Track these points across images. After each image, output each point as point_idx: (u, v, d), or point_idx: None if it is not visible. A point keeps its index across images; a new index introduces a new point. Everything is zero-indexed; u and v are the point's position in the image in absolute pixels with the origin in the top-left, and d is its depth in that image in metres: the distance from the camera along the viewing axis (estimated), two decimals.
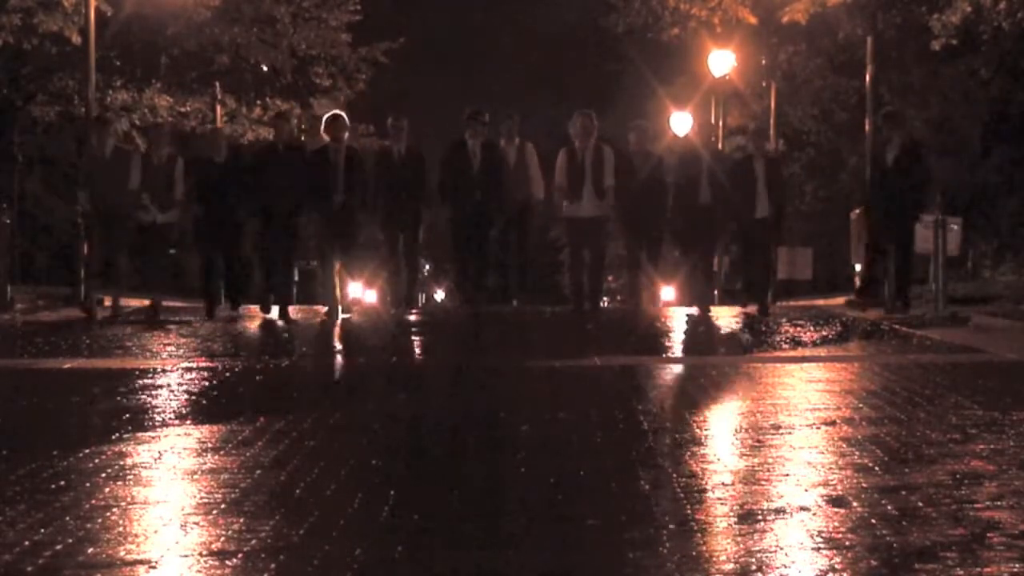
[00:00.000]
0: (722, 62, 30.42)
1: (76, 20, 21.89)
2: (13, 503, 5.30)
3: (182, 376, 9.52)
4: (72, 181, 21.25)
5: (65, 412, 8.03)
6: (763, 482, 5.65)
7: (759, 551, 4.53)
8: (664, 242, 15.83)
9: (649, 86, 35.92)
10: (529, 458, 6.39)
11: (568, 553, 4.63)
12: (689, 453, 6.49)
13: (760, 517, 5.00)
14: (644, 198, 14.89)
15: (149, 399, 8.36)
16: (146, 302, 15.06)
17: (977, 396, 8.08)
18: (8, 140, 26.59)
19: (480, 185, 15.00)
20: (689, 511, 5.17)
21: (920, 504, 5.18)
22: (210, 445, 6.62)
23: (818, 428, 7.03)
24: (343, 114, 15.02)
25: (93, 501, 5.36)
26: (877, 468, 5.90)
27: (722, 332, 13.22)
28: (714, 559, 4.45)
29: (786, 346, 11.67)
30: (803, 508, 5.14)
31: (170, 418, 7.54)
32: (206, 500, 5.37)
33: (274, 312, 14.72)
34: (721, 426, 7.08)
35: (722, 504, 5.25)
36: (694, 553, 4.55)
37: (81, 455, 6.33)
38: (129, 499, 5.42)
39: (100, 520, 5.03)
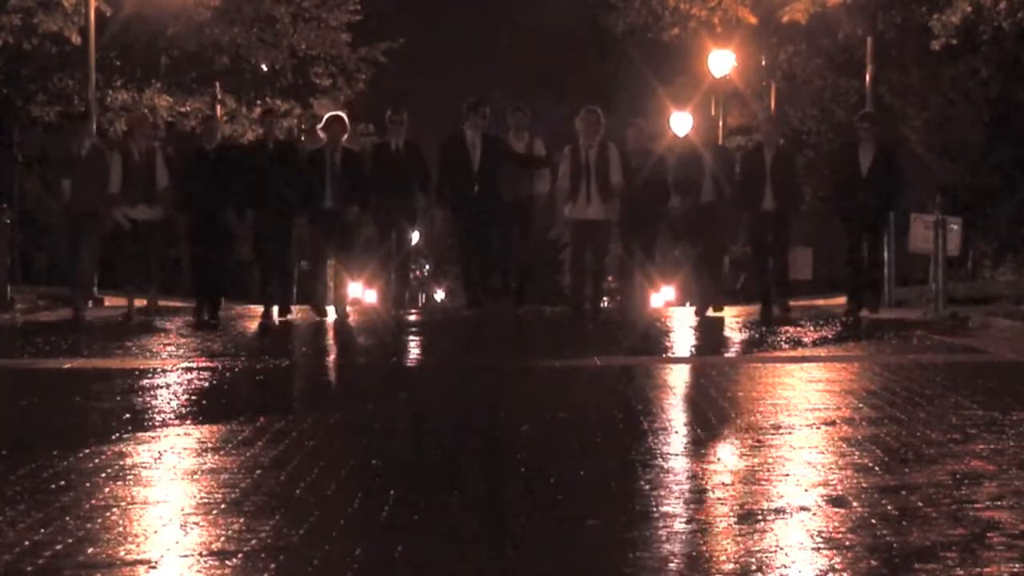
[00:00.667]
0: (722, 62, 30.43)
1: (76, 20, 21.88)
2: (13, 503, 5.30)
3: (182, 376, 9.52)
4: (46, 181, 20.98)
5: (65, 412, 8.03)
6: (763, 482, 5.65)
7: (759, 551, 4.53)
8: (662, 242, 15.53)
9: (649, 86, 35.91)
10: (529, 458, 6.39)
11: (568, 553, 4.63)
12: (689, 453, 6.49)
13: (760, 517, 5.00)
14: (643, 198, 14.52)
15: (149, 399, 8.36)
16: (144, 302, 15.02)
17: (977, 396, 8.08)
18: (8, 140, 26.58)
19: (479, 180, 14.49)
20: (689, 511, 5.17)
21: (920, 504, 5.18)
22: (210, 445, 6.62)
23: (818, 428, 7.03)
24: (342, 115, 14.83)
25: (93, 501, 5.36)
26: (877, 468, 5.90)
27: (723, 332, 13.21)
28: (714, 559, 4.45)
29: (786, 346, 11.67)
30: (803, 508, 5.14)
31: (170, 418, 7.54)
32: (206, 500, 5.37)
33: (274, 313, 14.50)
34: (721, 426, 7.08)
35: (722, 504, 5.25)
36: (694, 553, 4.55)
37: (81, 455, 6.33)
38: (129, 499, 5.42)
39: (100, 520, 5.03)
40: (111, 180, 14.28)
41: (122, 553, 4.57)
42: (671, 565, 4.42)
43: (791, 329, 13.03)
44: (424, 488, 5.72)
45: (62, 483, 5.69)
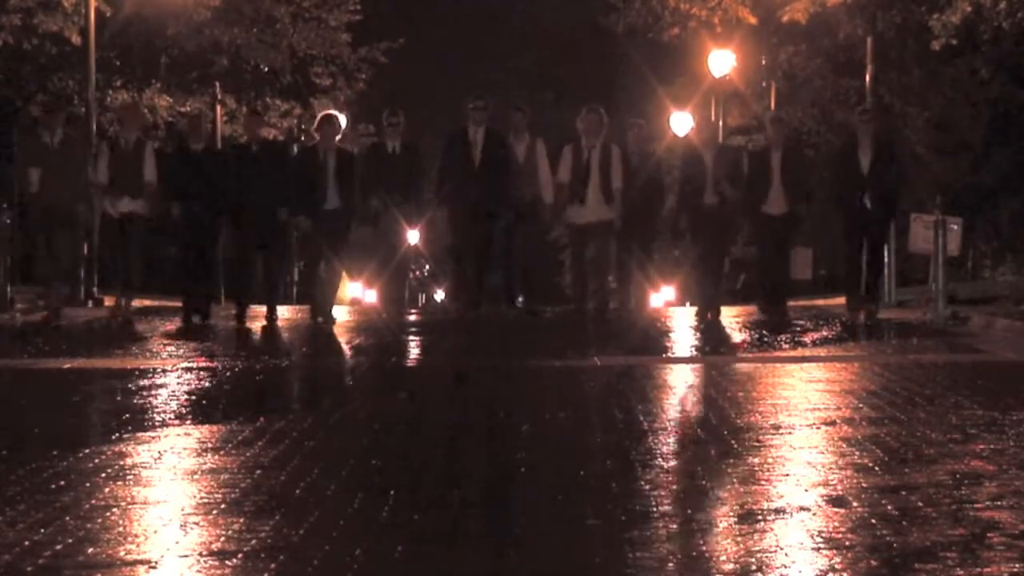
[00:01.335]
0: (722, 62, 30.40)
1: (76, 20, 21.86)
2: (13, 503, 5.30)
3: (182, 376, 9.52)
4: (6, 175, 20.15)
5: (65, 412, 8.03)
6: (763, 482, 5.65)
7: (759, 551, 4.53)
8: (661, 242, 15.29)
9: (649, 86, 35.89)
10: (529, 458, 6.40)
11: (568, 553, 4.63)
12: (689, 453, 6.50)
13: (760, 517, 5.00)
14: (641, 199, 14.22)
15: (149, 399, 8.36)
16: (145, 301, 14.98)
17: (977, 396, 8.08)
18: (8, 140, 26.58)
19: (481, 178, 13.92)
20: (689, 511, 5.17)
21: (920, 504, 5.18)
22: (210, 445, 6.62)
23: (818, 428, 7.03)
24: (334, 114, 14.56)
25: (93, 501, 5.36)
26: (877, 468, 5.90)
27: (723, 332, 13.20)
28: (714, 559, 4.45)
29: (786, 346, 11.67)
30: (803, 508, 5.14)
31: (170, 418, 7.54)
32: (206, 500, 5.37)
33: (263, 314, 14.03)
34: (721, 426, 7.08)
35: (722, 504, 5.25)
36: (694, 553, 4.55)
37: (81, 455, 6.33)
38: (129, 499, 5.42)
39: (100, 520, 5.03)
40: (99, 169, 13.67)
41: (122, 553, 4.57)
42: (671, 565, 4.42)
43: (791, 329, 13.03)
44: (424, 488, 5.72)
45: (62, 483, 5.69)
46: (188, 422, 7.43)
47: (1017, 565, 4.35)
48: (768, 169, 13.95)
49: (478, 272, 14.67)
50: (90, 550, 4.60)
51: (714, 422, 7.23)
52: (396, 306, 15.11)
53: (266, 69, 27.88)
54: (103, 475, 5.86)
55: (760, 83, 31.49)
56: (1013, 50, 24.95)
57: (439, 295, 67.03)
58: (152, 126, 25.61)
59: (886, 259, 16.21)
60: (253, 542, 4.69)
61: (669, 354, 11.61)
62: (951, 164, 28.45)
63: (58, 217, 13.70)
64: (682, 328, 13.76)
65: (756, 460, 6.13)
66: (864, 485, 5.55)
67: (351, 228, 14.08)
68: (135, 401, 8.27)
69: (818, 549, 4.54)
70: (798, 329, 13.14)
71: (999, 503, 5.22)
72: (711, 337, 12.68)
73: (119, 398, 8.42)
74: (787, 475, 5.79)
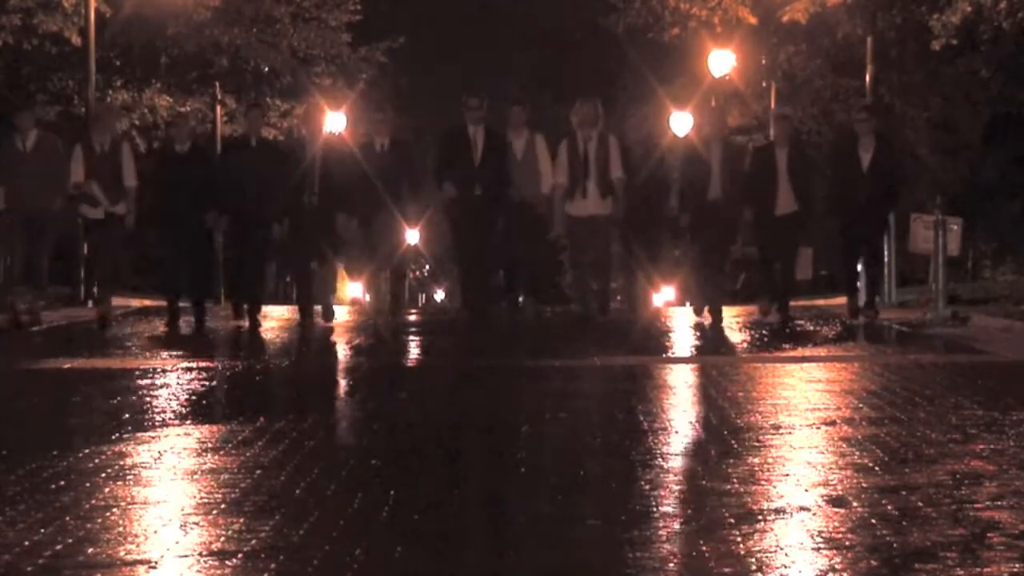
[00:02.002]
0: (722, 62, 30.41)
1: (76, 20, 21.88)
2: (13, 503, 5.30)
3: (182, 376, 9.52)
4: None
5: (65, 412, 8.03)
6: (763, 482, 5.65)
7: (759, 551, 4.53)
8: (664, 242, 15.02)
9: (649, 86, 35.88)
10: (529, 458, 6.40)
11: (568, 553, 4.63)
12: (689, 453, 6.50)
13: (760, 517, 5.00)
14: (644, 196, 13.86)
15: (149, 399, 8.36)
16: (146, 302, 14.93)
17: (977, 396, 8.08)
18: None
19: (481, 178, 13.60)
20: (689, 511, 5.17)
21: (920, 504, 5.18)
22: (210, 445, 6.62)
23: (818, 428, 7.03)
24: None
25: (93, 501, 5.36)
26: (877, 468, 5.90)
27: (723, 332, 13.19)
28: (714, 559, 4.45)
29: (786, 346, 11.67)
30: (803, 508, 5.14)
31: (170, 418, 7.54)
32: (206, 500, 5.37)
33: (246, 317, 13.67)
34: (721, 426, 7.08)
35: (722, 504, 5.25)
36: (694, 553, 4.55)
37: (81, 455, 6.33)
38: (129, 499, 5.42)
39: (100, 520, 5.03)
40: (72, 172, 13.04)
41: (122, 553, 4.57)
42: (671, 565, 4.42)
43: (791, 329, 13.03)
44: (424, 488, 5.72)
45: (62, 483, 5.69)
46: (188, 422, 7.43)
47: (1017, 565, 4.35)
48: (773, 167, 13.63)
49: (478, 272, 14.45)
50: (90, 550, 4.60)
51: (714, 422, 7.22)
52: (393, 309, 14.57)
53: (266, 69, 27.87)
54: (103, 475, 5.86)
55: (760, 83, 31.51)
56: (1013, 50, 24.95)
57: (439, 295, 67.12)
58: (152, 126, 25.63)
59: (886, 259, 16.17)
60: (253, 542, 4.69)
61: (669, 354, 11.61)
62: (951, 164, 28.47)
63: (35, 221, 13.15)
64: (682, 328, 13.75)
65: (756, 460, 6.13)
66: (864, 485, 5.55)
67: (336, 225, 13.46)
68: (135, 401, 8.27)
69: (818, 549, 4.55)
70: (798, 329, 13.14)
71: (999, 503, 5.22)
72: (711, 337, 12.68)
73: (119, 398, 8.42)
74: (787, 475, 5.79)
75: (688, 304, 17.52)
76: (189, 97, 26.98)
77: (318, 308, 13.96)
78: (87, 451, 6.43)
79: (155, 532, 4.86)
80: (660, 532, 4.83)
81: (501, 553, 4.64)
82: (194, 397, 8.56)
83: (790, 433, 6.87)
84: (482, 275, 14.59)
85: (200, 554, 4.55)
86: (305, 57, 28.15)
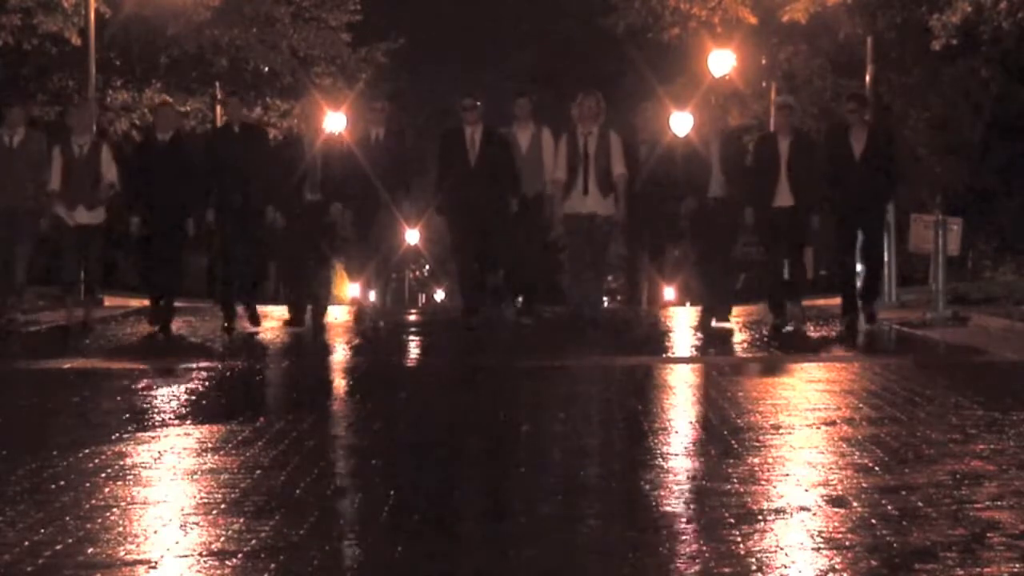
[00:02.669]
0: (722, 62, 30.40)
1: (76, 20, 21.87)
2: (13, 503, 5.30)
3: (182, 376, 9.52)
4: None
5: (65, 412, 8.03)
6: (763, 482, 5.65)
7: (759, 551, 4.53)
8: (667, 241, 14.81)
9: (649, 86, 35.87)
10: (529, 458, 6.40)
11: (568, 553, 4.63)
12: (689, 453, 6.50)
13: (760, 517, 5.00)
14: (647, 195, 13.57)
15: (149, 399, 8.36)
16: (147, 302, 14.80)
17: (977, 396, 8.08)
18: None
19: (479, 179, 13.27)
20: (689, 511, 5.17)
21: (920, 504, 5.18)
22: (210, 445, 6.62)
23: (818, 428, 7.03)
24: (317, 103, 13.99)
25: (93, 501, 5.36)
26: (877, 468, 5.90)
27: (724, 333, 13.18)
28: (714, 559, 4.45)
29: (786, 346, 11.66)
30: (803, 508, 5.14)
31: (170, 418, 7.54)
32: (206, 500, 5.37)
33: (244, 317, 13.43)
34: (721, 426, 7.08)
35: (722, 504, 5.25)
36: (694, 553, 4.55)
37: (81, 455, 6.33)
38: (129, 499, 5.42)
39: (100, 520, 5.03)
40: (51, 175, 12.68)
41: (122, 553, 4.57)
42: (671, 565, 4.42)
43: (791, 329, 13.00)
44: (424, 488, 5.72)
45: (62, 483, 5.69)
46: (188, 422, 7.43)
47: (1017, 565, 4.35)
48: (776, 158, 13.11)
49: (479, 273, 14.22)
50: (90, 550, 4.60)
51: (714, 422, 7.22)
52: (382, 309, 14.28)
53: (266, 69, 27.88)
54: (103, 475, 5.87)
55: (760, 83, 31.50)
56: (1013, 50, 24.94)
57: (439, 295, 67.09)
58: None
59: (885, 258, 16.06)
60: (253, 542, 4.69)
61: (669, 354, 11.61)
62: (951, 164, 28.44)
63: (15, 222, 12.80)
64: (682, 328, 13.75)
65: (756, 460, 6.13)
66: (864, 485, 5.55)
67: (333, 221, 13.19)
68: (135, 401, 8.27)
69: (818, 549, 4.55)
70: (798, 329, 13.12)
71: (999, 503, 5.22)
72: (711, 337, 12.66)
73: (119, 398, 8.42)
74: (787, 475, 5.79)
75: (689, 304, 17.50)
76: (189, 97, 26.98)
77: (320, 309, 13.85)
78: (87, 451, 6.43)
79: (155, 532, 4.86)
80: (660, 532, 4.83)
81: (501, 553, 4.64)
82: (194, 397, 8.55)
83: (790, 433, 6.87)
84: (481, 276, 14.53)
85: (200, 554, 4.55)
86: (305, 57, 28.16)
